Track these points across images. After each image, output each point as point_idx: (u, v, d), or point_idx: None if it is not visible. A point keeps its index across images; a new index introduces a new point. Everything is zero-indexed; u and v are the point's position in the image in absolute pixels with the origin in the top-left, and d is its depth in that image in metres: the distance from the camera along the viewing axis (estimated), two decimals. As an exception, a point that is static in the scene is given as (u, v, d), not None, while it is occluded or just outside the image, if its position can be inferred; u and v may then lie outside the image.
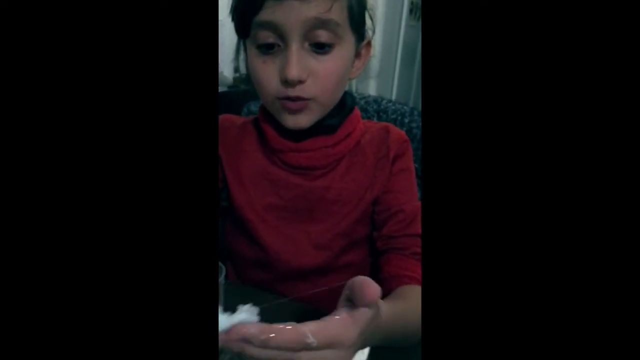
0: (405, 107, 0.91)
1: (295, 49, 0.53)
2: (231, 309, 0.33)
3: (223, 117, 0.74)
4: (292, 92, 0.56)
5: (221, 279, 0.55)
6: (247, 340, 0.30)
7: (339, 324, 0.33)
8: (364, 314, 0.35)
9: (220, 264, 0.60)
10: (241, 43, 0.62)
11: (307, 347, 0.31)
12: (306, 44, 0.54)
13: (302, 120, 0.59)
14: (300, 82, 0.55)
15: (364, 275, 0.73)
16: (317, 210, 0.67)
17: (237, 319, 0.32)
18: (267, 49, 0.55)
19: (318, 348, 0.31)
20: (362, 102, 0.93)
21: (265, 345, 0.30)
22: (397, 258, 0.62)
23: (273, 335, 0.30)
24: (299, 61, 0.53)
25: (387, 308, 0.44)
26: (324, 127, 0.63)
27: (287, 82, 0.54)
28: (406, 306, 0.50)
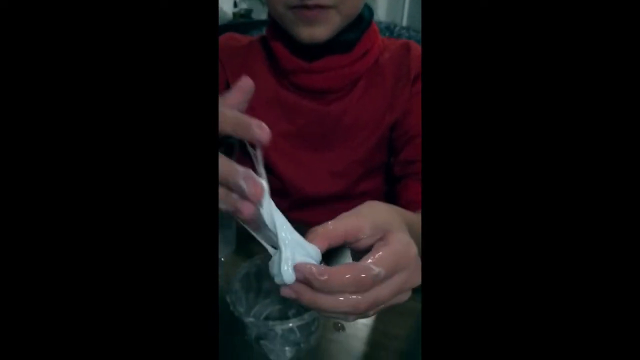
0: (419, 35, 0.84)
1: None
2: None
3: (227, 36, 0.68)
4: (310, 0, 0.49)
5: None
6: (308, 281, 0.27)
7: (391, 243, 0.29)
8: (396, 224, 0.31)
9: None
10: None
11: (376, 280, 0.27)
12: None
13: (318, 32, 0.54)
14: None
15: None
16: (333, 136, 0.64)
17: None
18: None
19: (387, 277, 0.28)
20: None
21: (326, 287, 0.26)
22: (415, 184, 0.59)
23: (328, 276, 0.26)
24: None
25: (410, 217, 0.41)
26: (340, 43, 0.57)
27: None
28: None
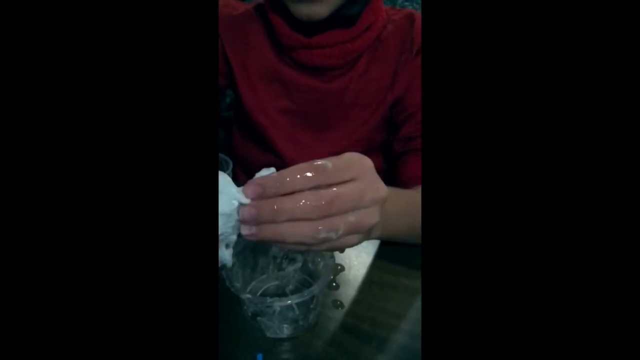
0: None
1: None
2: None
3: (223, 2, 0.65)
4: None
5: (228, 172, 0.52)
6: (265, 189, 0.27)
7: (342, 155, 0.29)
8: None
9: (227, 158, 0.57)
10: None
11: (326, 171, 0.28)
12: None
13: (318, 9, 0.51)
14: None
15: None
16: (333, 115, 0.62)
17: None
18: None
19: (336, 170, 0.28)
20: None
21: (280, 187, 0.27)
22: (415, 160, 0.58)
23: (279, 175, 0.27)
24: None
25: (397, 194, 0.40)
26: (341, 17, 0.55)
27: None
28: (419, 199, 0.46)
